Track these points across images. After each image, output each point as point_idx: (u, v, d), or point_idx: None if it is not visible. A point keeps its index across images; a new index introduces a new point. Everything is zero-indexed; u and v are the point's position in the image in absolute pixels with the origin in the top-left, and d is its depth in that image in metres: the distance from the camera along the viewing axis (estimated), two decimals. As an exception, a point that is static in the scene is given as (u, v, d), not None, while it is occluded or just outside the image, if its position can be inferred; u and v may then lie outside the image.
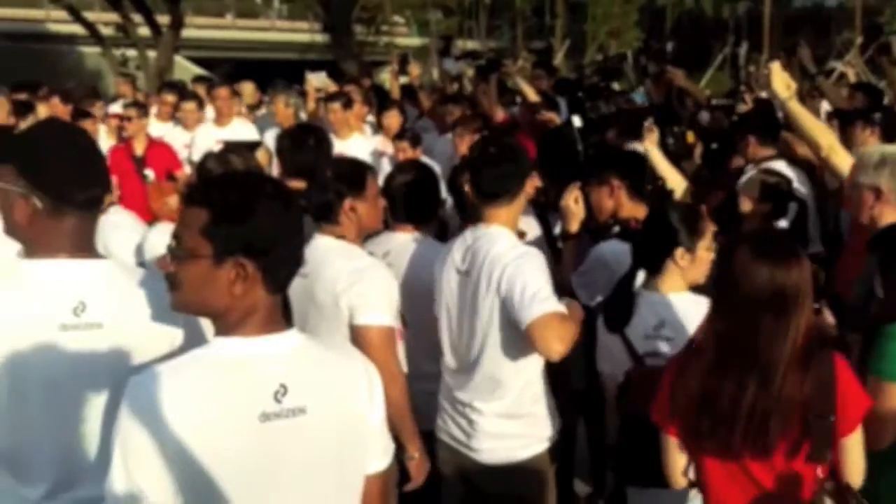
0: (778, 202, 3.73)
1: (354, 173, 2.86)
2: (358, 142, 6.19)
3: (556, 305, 2.54)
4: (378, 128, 6.70)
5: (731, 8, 40.55)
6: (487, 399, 2.72)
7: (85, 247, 1.87)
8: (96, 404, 1.83)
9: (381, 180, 6.11)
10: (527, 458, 2.75)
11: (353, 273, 2.63)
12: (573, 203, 3.24)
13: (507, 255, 2.62)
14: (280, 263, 1.61)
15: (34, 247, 1.85)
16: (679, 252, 2.68)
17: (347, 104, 6.24)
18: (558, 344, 2.50)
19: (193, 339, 1.87)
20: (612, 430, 2.89)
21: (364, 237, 2.93)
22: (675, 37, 32.81)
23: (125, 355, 1.83)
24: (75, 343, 1.80)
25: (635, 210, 3.31)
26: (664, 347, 2.65)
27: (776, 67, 3.96)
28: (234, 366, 1.57)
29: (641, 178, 3.45)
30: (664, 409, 2.12)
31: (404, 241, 3.22)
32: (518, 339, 2.61)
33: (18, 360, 1.77)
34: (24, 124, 6.25)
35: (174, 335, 1.90)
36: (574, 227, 3.27)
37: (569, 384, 3.23)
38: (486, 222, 2.73)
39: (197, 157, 6.65)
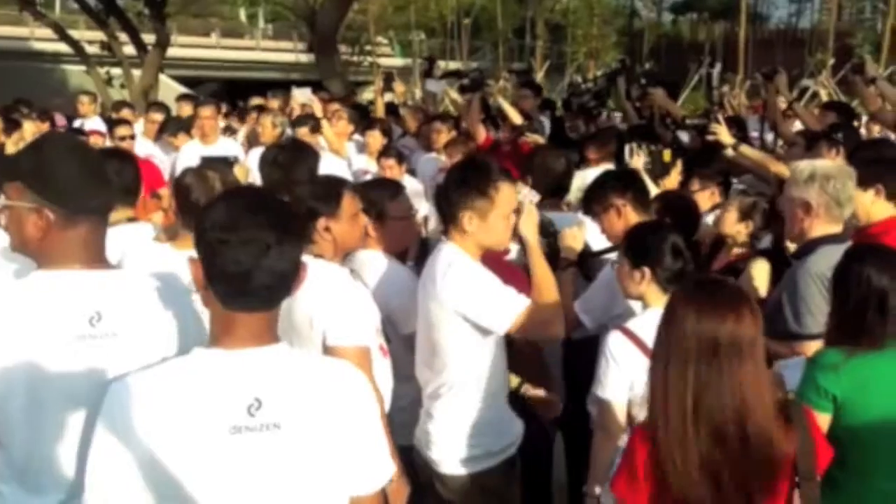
0: (760, 224, 3.74)
1: (328, 192, 2.79)
2: (330, 162, 6.06)
3: (520, 302, 2.58)
4: (363, 146, 6.80)
5: (707, 30, 41.20)
6: (441, 408, 2.73)
7: (98, 256, 1.87)
8: None
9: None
10: (481, 470, 2.72)
11: (327, 293, 2.53)
12: (577, 232, 3.26)
13: (438, 273, 2.63)
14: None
15: (48, 259, 1.85)
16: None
17: (315, 129, 6.20)
18: (550, 328, 2.64)
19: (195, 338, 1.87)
20: (600, 463, 2.70)
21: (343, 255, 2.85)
22: (652, 58, 33.22)
23: (138, 364, 1.76)
24: (91, 353, 1.79)
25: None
26: None
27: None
28: (209, 376, 1.57)
29: (643, 190, 3.46)
30: (623, 483, 1.99)
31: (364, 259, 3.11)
32: (472, 349, 2.64)
33: (35, 372, 1.77)
34: (10, 142, 6.32)
35: (189, 344, 1.85)
36: (574, 255, 3.27)
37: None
38: (445, 240, 2.74)
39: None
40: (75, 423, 1.82)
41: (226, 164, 3.34)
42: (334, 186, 2.84)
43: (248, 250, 1.55)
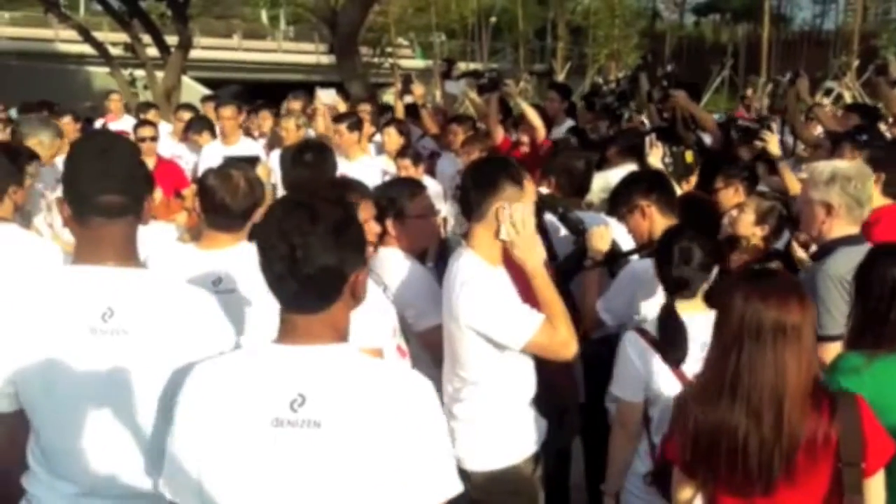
0: (776, 226, 3.76)
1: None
2: (365, 162, 6.22)
3: (534, 320, 2.56)
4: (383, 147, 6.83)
5: (729, 32, 40.90)
6: (464, 409, 2.75)
7: (116, 254, 1.89)
8: (123, 408, 1.87)
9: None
10: (505, 467, 2.74)
11: None
12: (604, 231, 3.29)
13: (455, 287, 2.61)
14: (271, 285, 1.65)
15: (73, 252, 1.93)
16: (713, 273, 2.75)
17: (354, 125, 6.24)
18: (564, 348, 2.61)
19: (225, 344, 1.92)
20: (616, 460, 2.83)
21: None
22: (674, 60, 33.07)
23: (150, 362, 1.85)
24: (102, 348, 1.83)
25: (670, 224, 3.26)
26: None
27: (772, 138, 4.81)
28: (263, 368, 1.62)
29: (668, 191, 3.47)
30: (675, 445, 2.13)
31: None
32: (492, 358, 2.64)
33: (50, 362, 1.82)
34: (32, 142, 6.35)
35: (202, 343, 1.88)
36: (599, 256, 3.31)
37: (559, 398, 3.15)
38: (465, 241, 2.75)
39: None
40: (87, 416, 1.86)
41: (248, 163, 3.34)
42: (347, 191, 2.87)
43: (276, 256, 1.60)
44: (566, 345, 2.62)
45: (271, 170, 5.32)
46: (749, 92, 13.70)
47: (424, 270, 3.20)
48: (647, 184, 3.45)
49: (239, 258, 2.83)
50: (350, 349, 1.67)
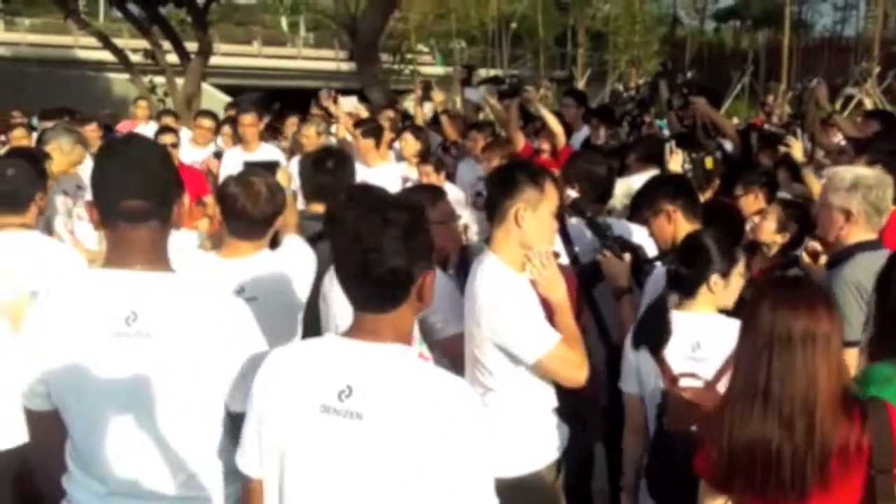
0: (797, 234, 3.74)
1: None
2: (385, 169, 6.21)
3: (552, 337, 2.56)
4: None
5: (750, 38, 40.69)
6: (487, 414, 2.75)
7: (142, 258, 1.90)
8: (145, 411, 1.89)
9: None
10: (526, 474, 2.71)
11: None
12: (614, 260, 3.27)
13: (478, 292, 2.61)
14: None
15: (104, 255, 1.95)
16: (713, 278, 2.75)
17: (370, 131, 6.23)
18: (575, 371, 2.59)
19: (249, 350, 1.93)
20: (629, 454, 2.93)
21: None
22: (694, 66, 32.97)
23: (172, 366, 1.87)
24: (126, 351, 1.86)
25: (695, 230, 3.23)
26: (700, 368, 2.68)
27: (797, 144, 4.79)
28: (322, 357, 1.73)
29: (693, 196, 3.46)
30: (706, 460, 2.11)
31: None
32: (513, 366, 2.64)
33: (77, 364, 1.86)
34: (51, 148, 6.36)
35: (228, 348, 1.91)
36: (624, 280, 3.27)
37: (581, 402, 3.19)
38: (489, 247, 2.74)
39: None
40: (111, 418, 1.89)
41: (268, 168, 3.35)
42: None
43: (350, 260, 1.68)
44: (577, 367, 2.61)
45: (291, 174, 5.33)
46: (770, 99, 13.61)
47: (446, 278, 3.18)
48: (673, 188, 3.43)
49: (260, 266, 2.85)
50: (406, 351, 1.74)
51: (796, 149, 4.85)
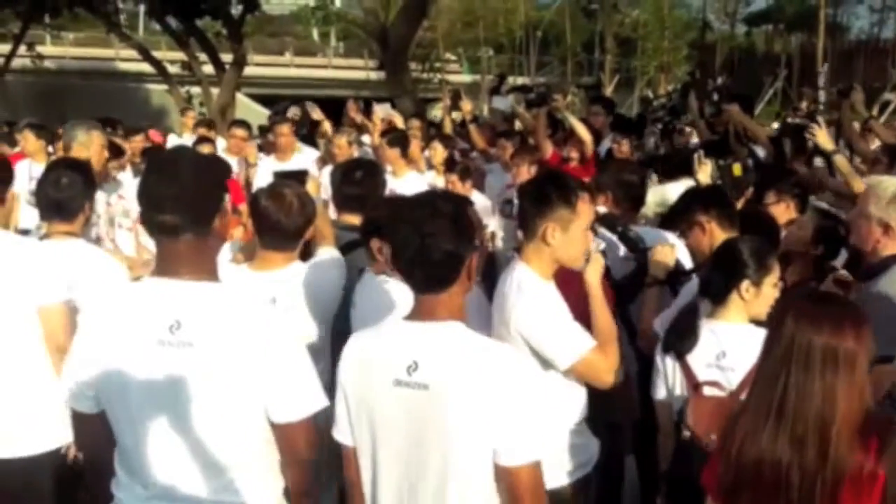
0: (831, 245, 3.65)
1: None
2: (412, 178, 6.24)
3: (586, 342, 2.56)
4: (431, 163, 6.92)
5: (783, 42, 40.20)
6: None
7: (186, 268, 1.94)
8: (185, 418, 1.93)
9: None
10: (557, 487, 2.63)
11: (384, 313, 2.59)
12: (669, 250, 3.29)
13: (508, 296, 2.61)
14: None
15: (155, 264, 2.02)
16: (745, 285, 2.71)
17: (396, 140, 6.25)
18: (608, 376, 2.58)
19: (285, 357, 1.97)
20: (664, 457, 2.90)
21: None
22: (725, 71, 32.59)
23: (212, 374, 1.91)
24: (169, 359, 1.90)
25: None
26: (724, 377, 2.66)
27: (820, 131, 4.57)
28: (389, 337, 2.00)
29: (728, 206, 3.42)
30: (713, 473, 2.04)
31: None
32: (543, 373, 2.62)
33: (122, 370, 1.92)
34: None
35: (263, 355, 1.93)
36: (661, 274, 3.29)
37: (614, 413, 3.18)
38: (519, 256, 2.71)
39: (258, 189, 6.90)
40: (153, 423, 1.93)
41: (297, 179, 3.37)
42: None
43: (409, 246, 1.91)
44: (610, 372, 2.59)
45: (321, 184, 5.44)
46: (803, 104, 13.41)
47: (474, 285, 3.24)
48: (706, 199, 3.42)
49: (292, 278, 2.89)
50: (460, 325, 1.96)
51: (820, 136, 4.70)
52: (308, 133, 7.81)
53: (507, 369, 1.91)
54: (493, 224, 6.01)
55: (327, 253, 3.10)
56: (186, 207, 1.90)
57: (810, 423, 1.85)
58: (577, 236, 2.61)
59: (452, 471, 1.91)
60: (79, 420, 2.11)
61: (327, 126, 7.70)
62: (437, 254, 1.90)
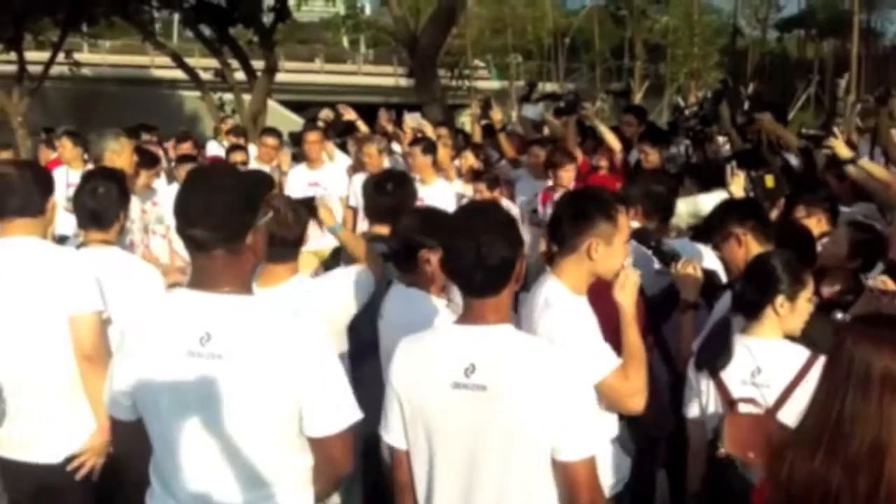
0: (868, 258, 3.58)
1: (433, 225, 2.86)
2: (441, 186, 6.30)
3: (608, 363, 2.49)
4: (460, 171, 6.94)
5: (815, 47, 39.73)
6: None
7: (218, 282, 1.96)
8: (216, 429, 1.94)
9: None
10: None
11: (418, 322, 2.58)
12: (692, 271, 3.21)
13: (535, 312, 2.55)
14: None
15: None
16: (779, 300, 2.68)
17: (429, 149, 6.29)
18: (630, 400, 2.51)
19: (319, 370, 1.98)
20: (693, 476, 2.85)
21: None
22: (756, 77, 32.25)
23: (241, 386, 1.92)
24: (199, 370, 1.92)
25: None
26: (760, 394, 2.62)
27: (837, 142, 4.55)
28: (444, 341, 2.07)
29: (763, 218, 3.37)
30: (763, 496, 2.02)
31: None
32: None
33: (155, 381, 1.96)
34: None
35: (296, 368, 1.94)
36: (693, 295, 3.21)
37: (647, 427, 3.09)
38: (550, 269, 2.69)
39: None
40: (187, 431, 1.96)
41: (306, 205, 3.35)
42: (439, 221, 2.91)
43: (466, 253, 1.99)
44: (634, 396, 2.52)
45: (331, 209, 5.34)
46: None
47: None
48: (742, 211, 3.38)
49: (299, 291, 2.91)
50: (510, 328, 2.06)
51: (839, 147, 4.62)
52: (342, 135, 7.83)
53: (562, 368, 1.99)
54: (523, 232, 6.02)
55: (352, 269, 3.13)
56: (217, 223, 1.93)
57: (864, 449, 1.78)
58: (619, 249, 2.60)
59: (513, 468, 1.98)
60: (116, 426, 2.16)
61: (362, 126, 7.71)
62: (493, 260, 1.99)
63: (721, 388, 2.69)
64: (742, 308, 2.79)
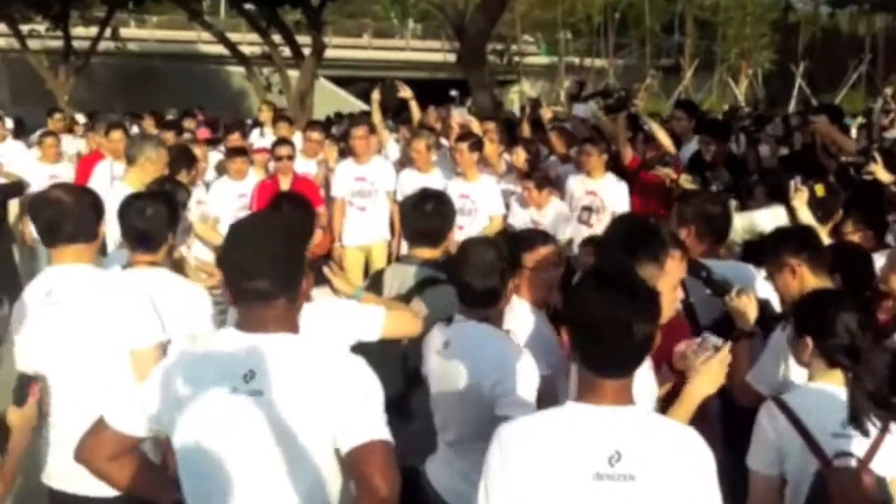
0: None
1: (511, 251, 2.80)
2: (486, 182, 6.28)
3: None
4: (510, 165, 6.87)
5: (868, 23, 38.49)
6: None
7: (268, 326, 1.98)
8: (256, 467, 1.95)
9: (510, 218, 6.26)
10: None
11: (497, 362, 2.59)
12: (747, 300, 3.08)
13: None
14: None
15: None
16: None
17: (476, 145, 6.25)
18: None
19: (359, 406, 1.95)
20: None
21: None
22: (808, 55, 31.31)
23: (286, 424, 1.93)
24: (241, 408, 1.93)
25: (823, 285, 3.03)
26: (854, 445, 2.45)
27: (877, 167, 4.54)
28: (578, 426, 1.85)
29: (820, 248, 3.24)
30: None
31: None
32: None
33: (196, 418, 1.96)
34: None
35: (338, 406, 1.94)
36: (750, 325, 3.10)
37: None
38: None
39: (335, 192, 6.92)
40: (224, 474, 1.97)
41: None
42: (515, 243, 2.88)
43: (612, 332, 1.82)
44: None
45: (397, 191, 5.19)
46: (888, 91, 12.45)
47: (542, 322, 3.13)
48: (797, 241, 3.23)
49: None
50: (643, 410, 1.93)
51: (879, 172, 4.55)
52: (395, 118, 7.77)
53: (703, 453, 1.87)
54: (570, 230, 6.00)
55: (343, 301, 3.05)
56: (278, 273, 1.97)
57: None
58: (664, 294, 2.46)
59: None
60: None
61: (416, 110, 7.66)
62: (640, 338, 1.83)
63: (811, 442, 2.48)
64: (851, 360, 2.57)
